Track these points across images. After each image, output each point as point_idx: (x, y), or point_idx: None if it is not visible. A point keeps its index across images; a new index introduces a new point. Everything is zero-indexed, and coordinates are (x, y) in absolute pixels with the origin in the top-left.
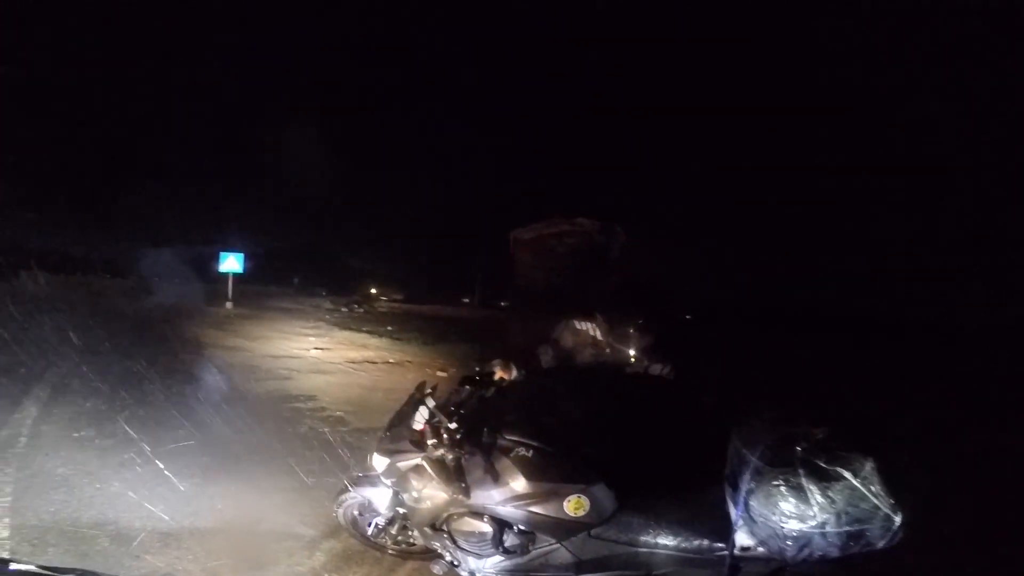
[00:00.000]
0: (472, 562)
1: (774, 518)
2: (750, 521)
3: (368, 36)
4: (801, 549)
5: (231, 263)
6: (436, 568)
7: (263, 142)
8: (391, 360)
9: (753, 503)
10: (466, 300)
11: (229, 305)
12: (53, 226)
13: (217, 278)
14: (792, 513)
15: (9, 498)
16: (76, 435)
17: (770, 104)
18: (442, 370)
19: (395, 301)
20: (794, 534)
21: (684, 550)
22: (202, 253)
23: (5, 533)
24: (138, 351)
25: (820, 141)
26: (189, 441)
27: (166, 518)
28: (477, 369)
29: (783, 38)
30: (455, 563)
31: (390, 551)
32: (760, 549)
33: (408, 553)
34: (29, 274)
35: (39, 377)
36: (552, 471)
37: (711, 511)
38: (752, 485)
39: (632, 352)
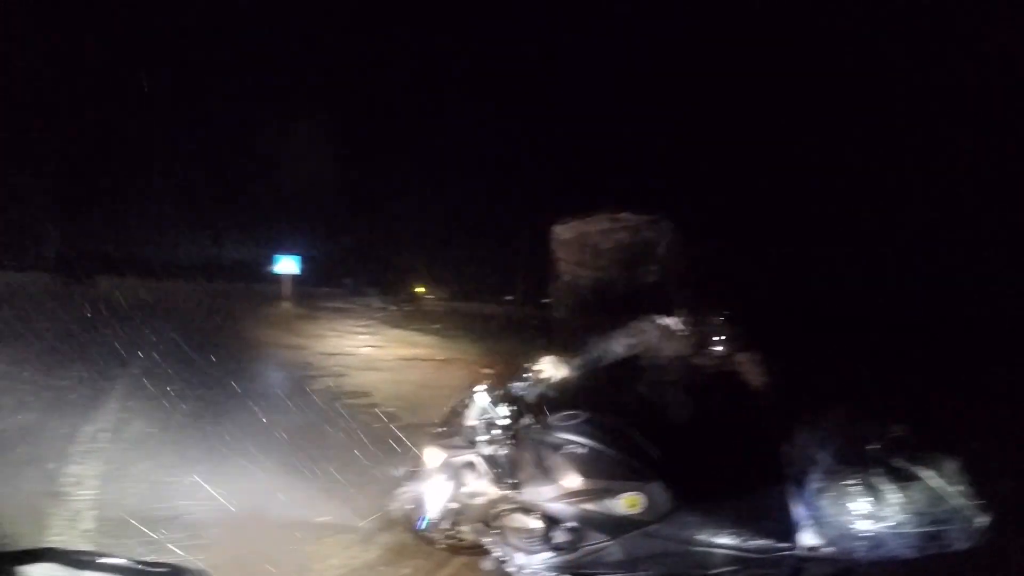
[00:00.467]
0: (521, 558)
1: (846, 518)
2: (819, 521)
3: (404, 31)
4: (874, 549)
5: (287, 265)
6: (485, 564)
7: (311, 146)
8: (439, 357)
9: (823, 502)
10: (509, 298)
11: (285, 305)
12: (116, 231)
13: (273, 279)
14: (866, 513)
15: (94, 491)
16: (151, 430)
17: (822, 93)
18: (489, 367)
19: (441, 300)
20: (867, 534)
21: (745, 550)
22: (259, 255)
23: (91, 525)
24: (206, 350)
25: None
26: (254, 436)
27: (234, 509)
28: (527, 366)
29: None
30: (504, 559)
31: (441, 546)
32: (828, 549)
33: (458, 548)
34: (101, 279)
35: (117, 375)
36: (606, 468)
37: (774, 511)
38: (823, 484)
39: (712, 349)
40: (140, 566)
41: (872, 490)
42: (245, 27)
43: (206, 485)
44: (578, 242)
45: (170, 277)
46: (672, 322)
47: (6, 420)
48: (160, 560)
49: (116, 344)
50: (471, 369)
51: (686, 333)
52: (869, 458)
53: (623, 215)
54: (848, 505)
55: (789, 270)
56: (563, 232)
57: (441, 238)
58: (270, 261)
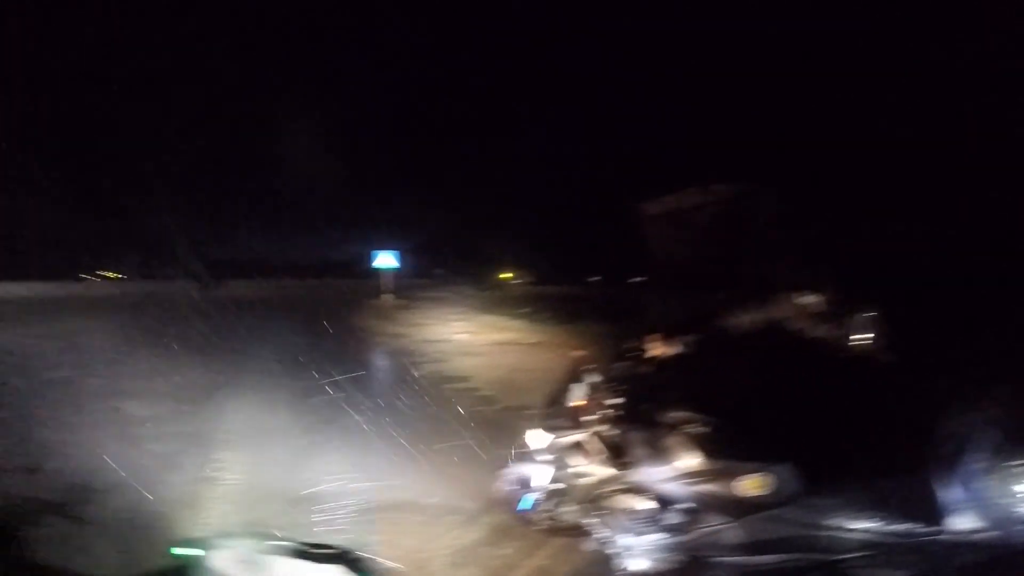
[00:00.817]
0: (627, 539)
1: (1007, 500)
2: (973, 504)
3: (482, 21)
4: None
5: (386, 260)
6: (587, 544)
7: (398, 146)
8: (530, 341)
9: (980, 485)
10: (595, 279)
11: (388, 297)
12: (235, 238)
13: (372, 274)
14: None
15: (242, 476)
16: (285, 417)
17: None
18: (579, 349)
19: (527, 284)
20: None
21: (885, 533)
22: (358, 253)
23: (235, 505)
24: (322, 341)
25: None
26: (372, 422)
27: (353, 491)
28: (630, 344)
29: None
30: (608, 540)
31: (542, 527)
32: (981, 533)
33: (559, 529)
34: (229, 283)
35: (250, 366)
36: (730, 448)
37: (921, 493)
38: (981, 466)
39: (855, 330)
40: (313, 548)
41: None
42: (328, 31)
43: (333, 469)
44: (670, 217)
45: (282, 277)
46: (808, 300)
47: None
48: (326, 543)
49: (246, 338)
50: (562, 352)
51: (822, 311)
52: None
53: (716, 187)
54: (1010, 487)
55: (923, 238)
56: (653, 209)
57: (526, 223)
58: (368, 257)
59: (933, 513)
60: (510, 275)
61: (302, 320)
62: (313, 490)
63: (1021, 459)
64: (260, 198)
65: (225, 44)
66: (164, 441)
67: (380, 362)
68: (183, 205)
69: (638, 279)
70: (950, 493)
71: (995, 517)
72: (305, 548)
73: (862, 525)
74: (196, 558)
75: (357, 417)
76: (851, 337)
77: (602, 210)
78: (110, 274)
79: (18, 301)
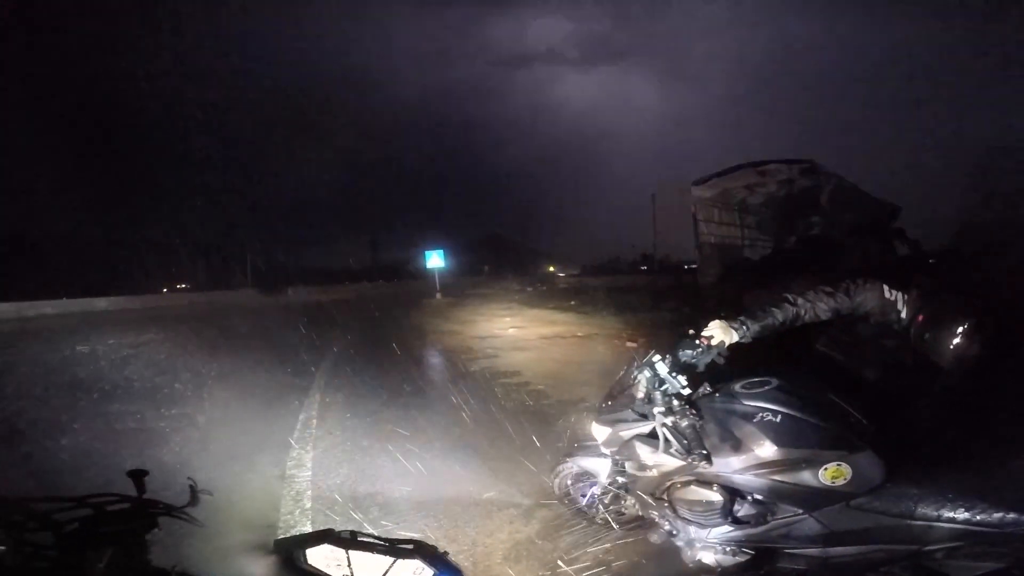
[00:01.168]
0: (694, 531)
1: None
2: None
3: (515, 26)
4: None
5: (435, 260)
6: (654, 537)
7: (439, 148)
8: (579, 334)
9: None
10: (644, 268)
11: (439, 296)
12: (292, 247)
13: (422, 274)
14: None
15: (310, 472)
16: (348, 415)
17: None
18: (631, 340)
19: (572, 276)
20: None
21: (976, 523)
22: (407, 254)
23: (309, 504)
24: (386, 340)
25: None
26: (430, 420)
27: (415, 489)
28: (691, 331)
29: None
30: (674, 532)
31: (599, 520)
32: None
33: (618, 522)
34: (289, 289)
35: (314, 368)
36: (807, 436)
37: (1018, 480)
38: None
39: (949, 330)
40: (390, 542)
41: None
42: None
43: (394, 466)
44: (722, 200)
45: (338, 281)
46: (898, 295)
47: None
48: (407, 538)
49: (311, 338)
50: (612, 344)
51: (908, 305)
52: None
53: (771, 165)
54: None
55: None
56: (703, 191)
57: (567, 214)
58: (417, 258)
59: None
60: (554, 268)
61: (359, 321)
62: (375, 486)
63: None
64: (314, 207)
65: (272, 59)
66: (231, 441)
67: (433, 359)
68: (242, 216)
69: (689, 266)
70: None
71: None
72: (384, 542)
73: (948, 514)
74: (298, 551)
75: (414, 415)
76: (939, 326)
77: (644, 194)
78: (179, 285)
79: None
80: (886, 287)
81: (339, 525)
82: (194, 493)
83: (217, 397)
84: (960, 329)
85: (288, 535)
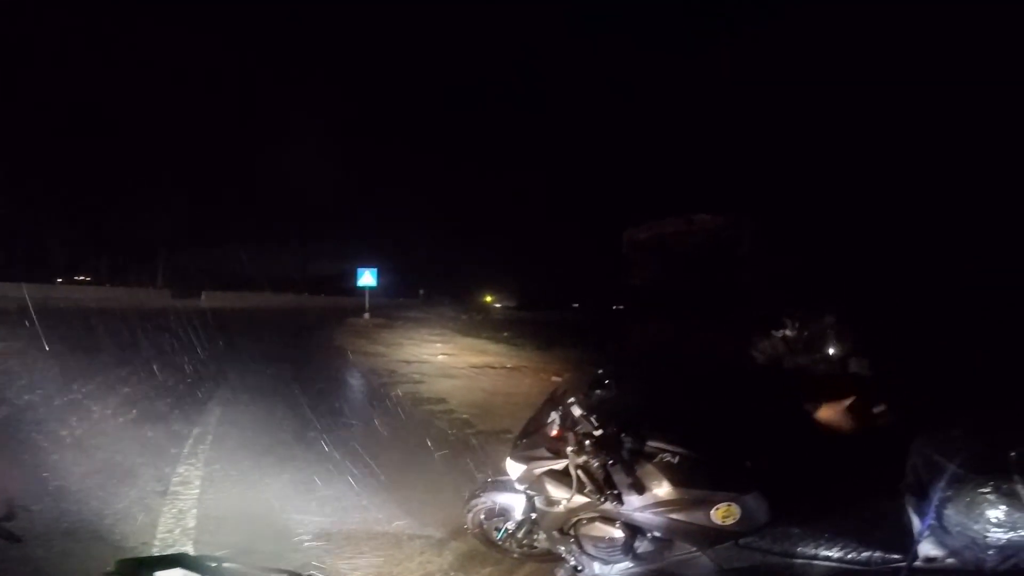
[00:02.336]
0: (598, 567)
1: (976, 527)
2: (941, 531)
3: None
4: (1005, 559)
5: (367, 278)
6: (559, 572)
7: (384, 166)
8: (509, 365)
9: (948, 512)
10: (576, 305)
11: (367, 316)
12: (218, 251)
13: (354, 291)
14: (1001, 521)
15: (197, 491)
16: (249, 434)
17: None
18: (557, 375)
19: (509, 308)
20: (1000, 543)
21: (851, 562)
22: (341, 269)
23: (192, 524)
24: (299, 358)
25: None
26: (338, 442)
27: (318, 517)
28: (603, 371)
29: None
30: (579, 568)
31: (514, 555)
32: (950, 560)
33: (530, 556)
34: (205, 293)
35: (218, 382)
36: (700, 478)
37: (886, 521)
38: (949, 493)
39: (829, 352)
40: (263, 571)
41: (1010, 497)
42: (314, 46)
43: (296, 490)
44: (652, 245)
45: (262, 290)
46: (788, 331)
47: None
48: (281, 568)
49: (220, 353)
50: (539, 377)
51: (799, 339)
52: (1011, 464)
53: (699, 216)
54: (979, 513)
55: (903, 262)
56: (636, 235)
57: (510, 248)
58: (351, 274)
59: (899, 540)
60: (492, 299)
61: (277, 335)
62: (270, 509)
63: (988, 485)
64: (245, 210)
65: (212, 54)
66: (123, 453)
67: (353, 382)
68: (161, 211)
69: (619, 306)
70: (918, 520)
71: (963, 544)
72: (258, 573)
73: (824, 553)
74: (144, 574)
75: (325, 437)
76: (825, 362)
77: (586, 236)
78: (78, 277)
79: None
80: (776, 326)
81: (223, 547)
82: (10, 508)
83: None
84: (827, 320)
85: (135, 555)
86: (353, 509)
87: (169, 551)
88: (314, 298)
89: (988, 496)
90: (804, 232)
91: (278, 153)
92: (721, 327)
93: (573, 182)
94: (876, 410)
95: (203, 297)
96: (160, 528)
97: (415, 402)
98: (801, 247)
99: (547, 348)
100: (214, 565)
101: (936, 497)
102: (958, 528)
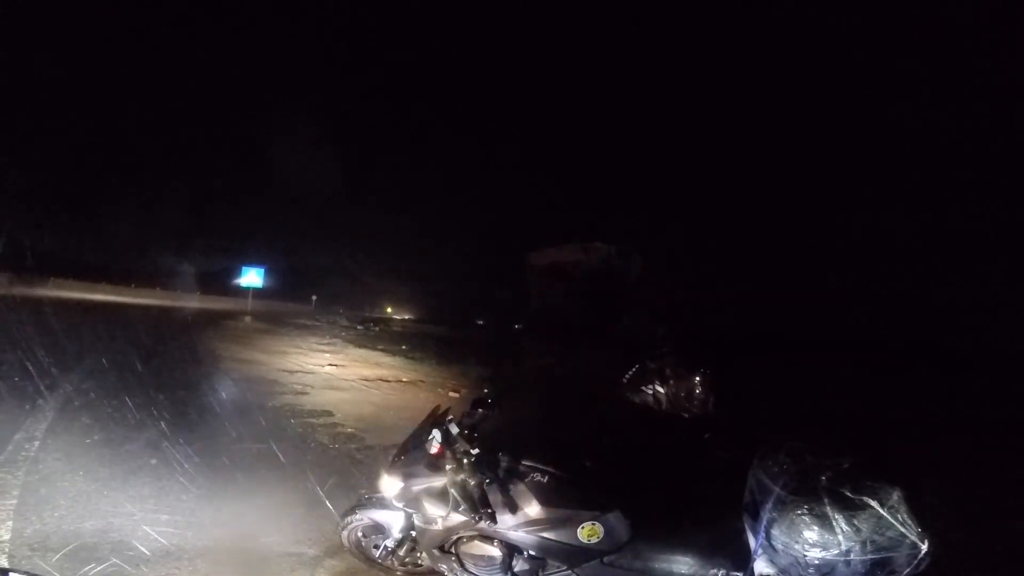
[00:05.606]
0: None
1: (797, 547)
2: (771, 550)
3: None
4: None
5: (252, 277)
6: None
7: (284, 156)
8: (404, 379)
9: (775, 532)
10: (480, 322)
11: (248, 319)
12: (84, 238)
13: (238, 291)
14: (816, 542)
15: (14, 501)
16: (88, 441)
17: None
18: (454, 391)
19: (409, 321)
20: (816, 562)
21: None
22: (224, 266)
23: (6, 536)
24: (158, 361)
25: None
26: (199, 453)
27: (171, 529)
28: (487, 391)
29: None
30: None
31: (396, 573)
32: None
33: (412, 574)
34: (46, 277)
35: (56, 385)
36: (567, 497)
37: (729, 540)
38: (774, 514)
39: (686, 388)
40: None
41: (821, 519)
42: (235, 31)
43: (139, 503)
44: (551, 269)
45: (130, 283)
46: (659, 388)
47: None
48: None
49: (54, 358)
50: (434, 392)
51: (664, 371)
52: (821, 488)
53: (595, 244)
54: (799, 533)
55: (760, 304)
56: (537, 259)
57: (414, 260)
58: (235, 272)
59: (739, 558)
60: (391, 310)
61: (139, 333)
62: (108, 524)
63: (804, 507)
64: (119, 196)
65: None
66: None
67: (225, 392)
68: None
69: (518, 326)
70: (750, 539)
71: (788, 563)
72: None
73: (682, 570)
74: None
75: (189, 450)
76: (685, 396)
77: (491, 256)
78: None
79: None
80: (648, 361)
81: (50, 564)
82: None
83: None
84: (696, 379)
85: None
86: (213, 525)
87: None
88: (190, 296)
89: (804, 518)
90: (684, 266)
91: (176, 134)
92: (604, 355)
93: (485, 200)
94: (706, 436)
95: (51, 284)
96: None
97: (294, 414)
98: (681, 280)
99: (446, 364)
100: None
101: (764, 518)
102: (783, 548)
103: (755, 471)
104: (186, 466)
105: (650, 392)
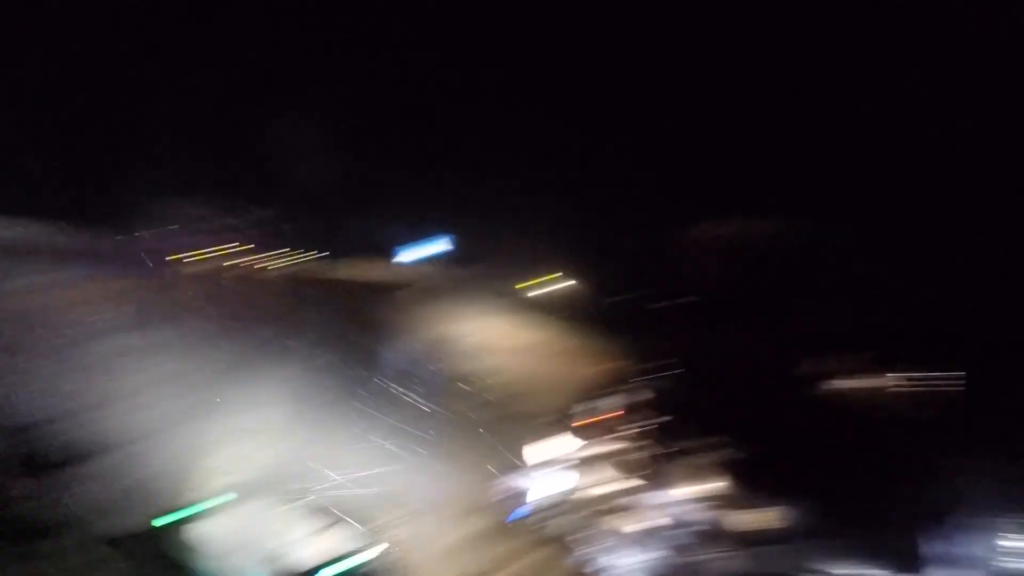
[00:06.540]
0: (612, 559)
1: (996, 555)
2: (963, 558)
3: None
4: None
5: (418, 249)
6: (575, 555)
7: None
8: (559, 349)
9: (971, 540)
10: (638, 293)
11: (414, 288)
12: None
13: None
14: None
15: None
16: (290, 407)
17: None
18: (608, 362)
19: (569, 289)
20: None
21: None
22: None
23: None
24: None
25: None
26: (375, 417)
27: (346, 480)
28: (652, 366)
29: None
30: (591, 557)
31: (529, 537)
32: None
33: (544, 541)
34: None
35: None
36: (754, 479)
37: (909, 546)
38: (973, 522)
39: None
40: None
41: None
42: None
43: (326, 460)
44: (713, 247)
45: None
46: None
47: None
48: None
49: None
50: (589, 363)
51: (859, 366)
52: None
53: (762, 221)
54: (997, 543)
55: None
56: (698, 235)
57: (580, 227)
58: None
59: (921, 566)
60: (551, 277)
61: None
62: (306, 478)
63: (1006, 516)
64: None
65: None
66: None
67: (391, 357)
68: None
69: (682, 300)
70: (938, 547)
71: (979, 572)
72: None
73: (851, 572)
74: (180, 528)
75: (361, 408)
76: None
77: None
78: None
79: None
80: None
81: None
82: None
83: None
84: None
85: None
86: (382, 479)
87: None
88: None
89: (1001, 527)
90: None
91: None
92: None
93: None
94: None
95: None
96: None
97: (452, 380)
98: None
99: (605, 335)
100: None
101: (955, 526)
102: (974, 556)
103: (947, 477)
104: (366, 427)
105: (846, 387)
